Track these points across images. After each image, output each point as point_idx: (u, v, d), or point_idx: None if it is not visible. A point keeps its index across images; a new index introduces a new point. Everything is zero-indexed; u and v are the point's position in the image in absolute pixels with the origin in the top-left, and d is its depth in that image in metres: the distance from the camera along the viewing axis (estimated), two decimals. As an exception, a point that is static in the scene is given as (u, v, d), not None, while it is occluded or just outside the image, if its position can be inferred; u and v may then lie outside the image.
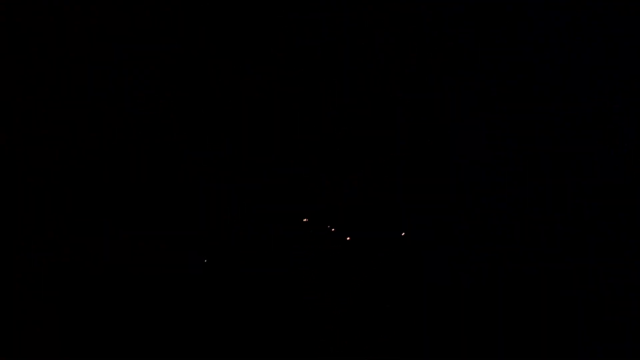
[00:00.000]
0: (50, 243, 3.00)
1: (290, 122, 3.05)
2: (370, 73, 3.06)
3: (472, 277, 3.02)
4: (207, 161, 3.04)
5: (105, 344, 2.99)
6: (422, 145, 3.06)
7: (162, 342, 3.00)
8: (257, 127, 3.06)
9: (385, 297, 3.04)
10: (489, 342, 2.99)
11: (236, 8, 3.06)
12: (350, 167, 3.06)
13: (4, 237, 3.00)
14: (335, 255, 3.06)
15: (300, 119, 3.06)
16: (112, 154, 3.03)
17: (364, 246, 3.06)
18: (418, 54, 3.06)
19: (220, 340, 3.02)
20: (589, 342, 2.96)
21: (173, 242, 3.03)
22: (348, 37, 3.06)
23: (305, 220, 3.00)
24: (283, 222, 3.04)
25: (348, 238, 2.75)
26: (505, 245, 3.03)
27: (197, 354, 3.01)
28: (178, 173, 3.04)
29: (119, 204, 3.02)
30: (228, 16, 3.06)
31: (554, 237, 3.01)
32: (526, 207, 3.03)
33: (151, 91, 3.04)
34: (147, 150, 3.04)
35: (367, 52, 3.06)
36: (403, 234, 2.70)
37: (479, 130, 3.05)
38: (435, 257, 3.04)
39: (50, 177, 3.02)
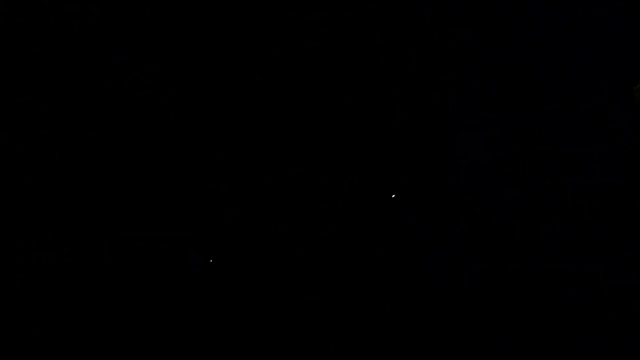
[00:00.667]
0: (50, 243, 3.00)
1: (290, 122, 3.05)
2: (370, 73, 3.06)
3: (472, 277, 3.02)
4: (207, 161, 3.04)
5: (105, 344, 2.99)
6: (422, 145, 3.06)
7: (162, 342, 3.00)
8: (257, 127, 3.06)
9: (385, 297, 3.04)
10: (489, 342, 2.99)
11: (236, 8, 3.06)
12: (350, 167, 3.06)
13: (4, 237, 3.00)
14: (335, 255, 3.06)
15: (300, 119, 3.06)
16: (112, 154, 3.03)
17: (364, 246, 3.06)
18: (418, 54, 3.06)
19: (220, 340, 3.02)
20: (589, 342, 2.96)
21: (173, 242, 3.03)
22: (348, 37, 3.06)
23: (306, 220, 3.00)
24: (283, 222, 3.04)
25: (393, 195, 2.71)
26: (505, 245, 3.03)
27: (197, 354, 3.01)
28: (178, 173, 3.04)
29: (119, 204, 3.02)
30: (228, 16, 3.06)
31: (554, 237, 3.01)
32: (526, 207, 3.03)
33: (151, 91, 3.04)
34: (147, 150, 3.04)
35: (367, 52, 3.06)
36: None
37: (479, 130, 3.05)
38: (435, 257, 3.04)
39: (50, 177, 3.02)
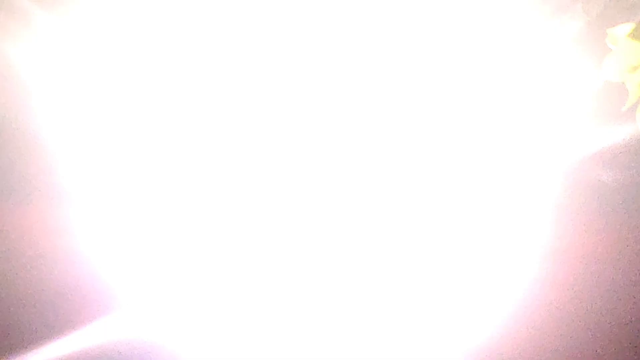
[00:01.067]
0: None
1: (290, 122, 3.06)
2: (370, 73, 3.06)
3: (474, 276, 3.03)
4: (207, 161, 3.05)
5: (105, 344, 3.00)
6: (422, 145, 3.06)
7: (162, 342, 3.01)
8: (257, 127, 3.06)
9: (385, 297, 3.05)
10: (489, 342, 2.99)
11: (236, 8, 3.06)
12: (350, 167, 3.06)
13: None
14: (335, 255, 3.06)
15: (300, 119, 3.06)
16: (112, 153, 3.05)
17: (365, 246, 3.07)
18: (418, 54, 3.05)
19: (220, 340, 3.03)
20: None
21: (173, 242, 3.04)
22: (348, 37, 3.06)
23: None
24: (283, 222, 3.05)
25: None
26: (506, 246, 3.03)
27: (198, 354, 3.02)
28: (178, 173, 3.05)
29: (119, 204, 3.04)
30: (228, 16, 3.06)
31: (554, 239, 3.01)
32: (526, 207, 3.02)
33: (151, 91, 3.05)
34: (147, 150, 3.05)
35: (367, 52, 3.06)
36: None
37: (479, 130, 3.05)
38: (435, 257, 3.04)
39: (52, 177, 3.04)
